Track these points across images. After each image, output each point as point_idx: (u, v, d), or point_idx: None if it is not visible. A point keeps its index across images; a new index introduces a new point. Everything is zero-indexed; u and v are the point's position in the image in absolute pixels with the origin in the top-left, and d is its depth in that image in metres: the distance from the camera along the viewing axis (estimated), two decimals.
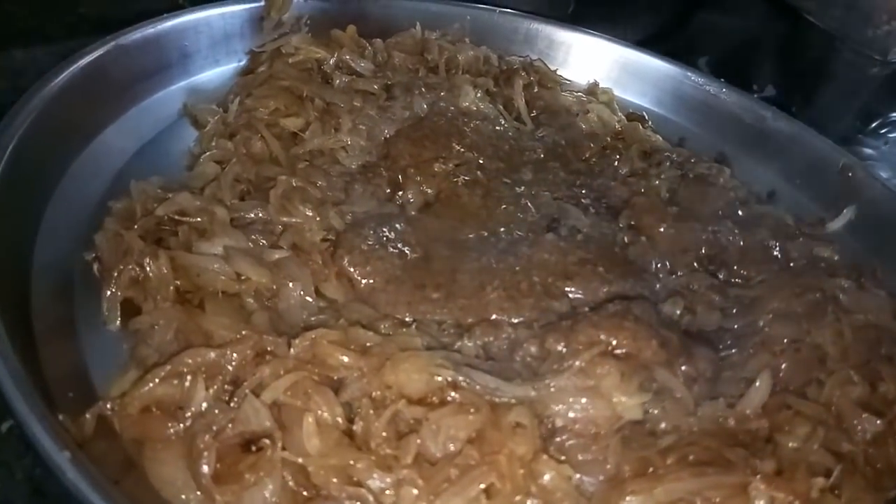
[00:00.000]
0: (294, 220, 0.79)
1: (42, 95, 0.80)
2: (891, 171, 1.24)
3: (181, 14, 1.00)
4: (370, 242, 0.80)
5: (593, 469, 0.60)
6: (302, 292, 0.72)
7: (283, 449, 0.57)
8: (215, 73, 1.05)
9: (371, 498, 0.55)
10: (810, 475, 0.59)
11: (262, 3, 1.07)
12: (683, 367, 0.67)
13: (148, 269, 0.68)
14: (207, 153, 0.87)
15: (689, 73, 1.22)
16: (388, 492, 0.54)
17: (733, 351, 0.76)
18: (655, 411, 0.64)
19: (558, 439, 0.61)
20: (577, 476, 0.59)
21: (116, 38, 0.92)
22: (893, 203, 1.03)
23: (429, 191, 0.92)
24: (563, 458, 0.59)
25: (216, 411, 0.59)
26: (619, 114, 1.16)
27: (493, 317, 0.75)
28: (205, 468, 0.56)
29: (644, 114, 1.19)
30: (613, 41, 1.25)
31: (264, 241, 0.77)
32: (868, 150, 1.32)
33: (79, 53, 0.87)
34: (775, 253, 0.93)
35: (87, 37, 0.91)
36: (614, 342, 0.65)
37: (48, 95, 0.81)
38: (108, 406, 0.60)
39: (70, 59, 0.86)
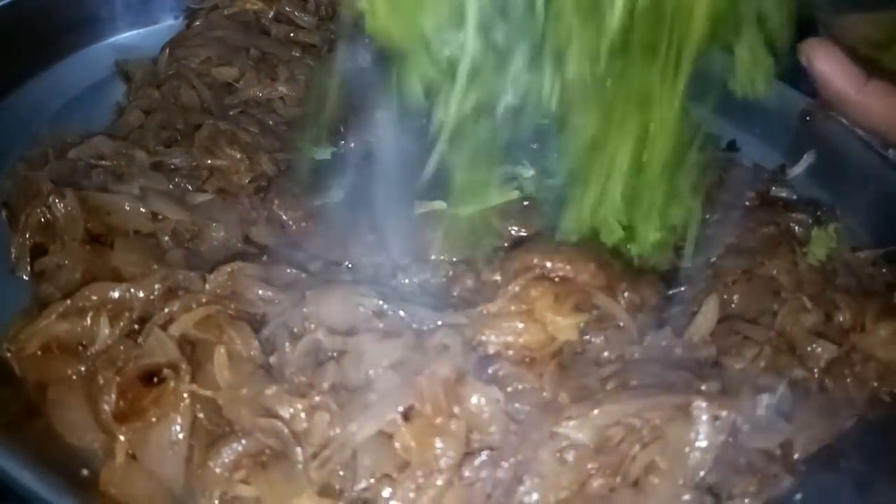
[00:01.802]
0: (220, 162, 0.75)
1: None
2: None
3: None
4: (304, 186, 0.77)
5: (529, 398, 0.56)
6: (225, 233, 0.68)
7: (193, 382, 0.53)
8: (150, 30, 1.01)
9: (286, 430, 0.51)
10: (756, 394, 0.56)
11: None
12: (626, 294, 0.63)
13: (56, 209, 0.64)
14: (133, 101, 0.83)
15: None
16: (300, 417, 0.50)
17: (683, 288, 0.74)
18: (597, 340, 0.61)
19: (491, 370, 0.57)
20: (513, 405, 0.55)
21: None
22: (853, 145, 1.01)
23: (372, 139, 0.88)
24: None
25: (121, 347, 0.55)
26: None
27: (433, 257, 0.72)
28: (105, 406, 0.51)
29: None
30: None
31: (189, 187, 0.73)
32: None
33: None
34: (730, 195, 0.90)
35: None
36: (549, 265, 0.61)
37: None
38: (5, 347, 0.55)
39: None
